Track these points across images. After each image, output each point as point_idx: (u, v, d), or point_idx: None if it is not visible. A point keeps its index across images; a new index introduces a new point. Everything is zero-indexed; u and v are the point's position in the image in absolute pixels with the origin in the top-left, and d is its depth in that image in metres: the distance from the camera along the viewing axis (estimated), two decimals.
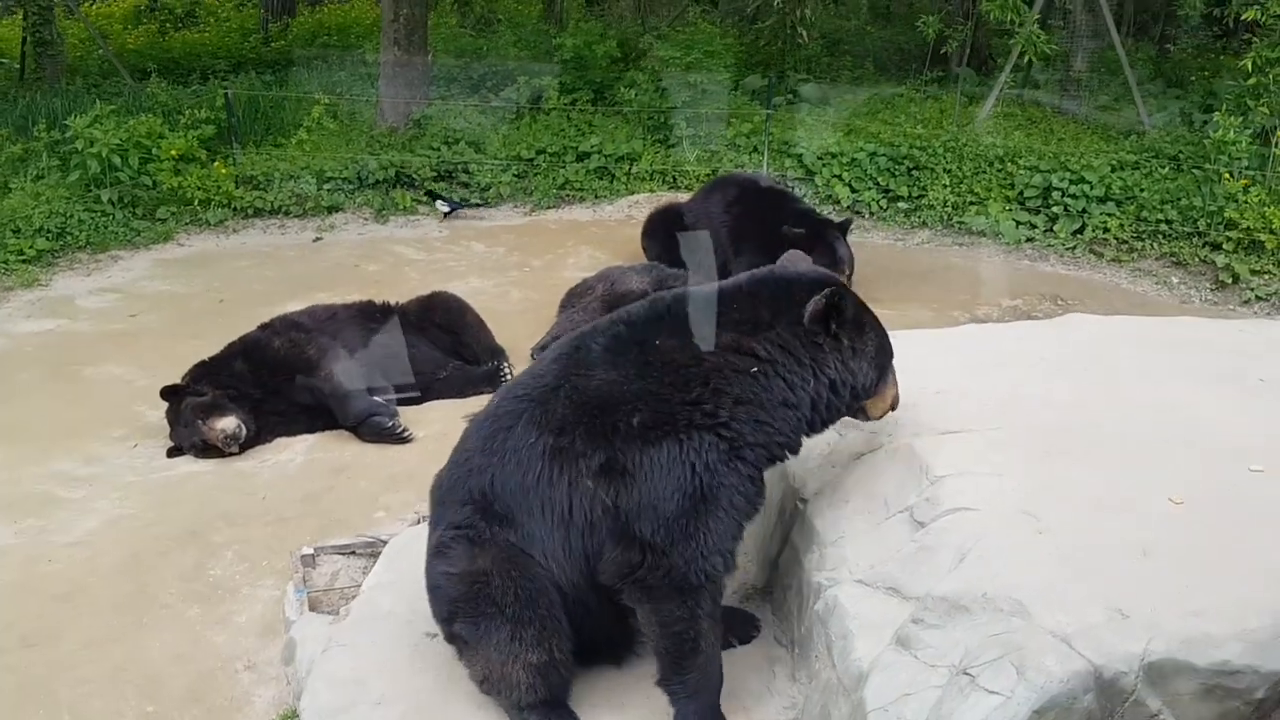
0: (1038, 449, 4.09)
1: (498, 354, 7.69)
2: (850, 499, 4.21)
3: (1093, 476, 3.89)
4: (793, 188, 11.85)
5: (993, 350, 5.19)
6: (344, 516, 5.96)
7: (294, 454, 6.74)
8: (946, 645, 3.33)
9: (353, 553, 5.55)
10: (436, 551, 3.95)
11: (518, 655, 3.77)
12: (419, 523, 5.46)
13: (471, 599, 3.81)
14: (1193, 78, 14.50)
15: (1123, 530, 3.56)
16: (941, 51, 13.57)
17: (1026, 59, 12.19)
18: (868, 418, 4.05)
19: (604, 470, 3.61)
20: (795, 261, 4.14)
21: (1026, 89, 14.79)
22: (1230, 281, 10.26)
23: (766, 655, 4.35)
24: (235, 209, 12.00)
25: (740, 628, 4.43)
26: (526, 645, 3.76)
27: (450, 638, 4.06)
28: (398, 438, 6.72)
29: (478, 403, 6.57)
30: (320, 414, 6.90)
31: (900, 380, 4.17)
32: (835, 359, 3.74)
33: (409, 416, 7.03)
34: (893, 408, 4.06)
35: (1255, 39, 10.91)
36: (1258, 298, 10.09)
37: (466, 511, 3.83)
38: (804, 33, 16.74)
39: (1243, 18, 10.58)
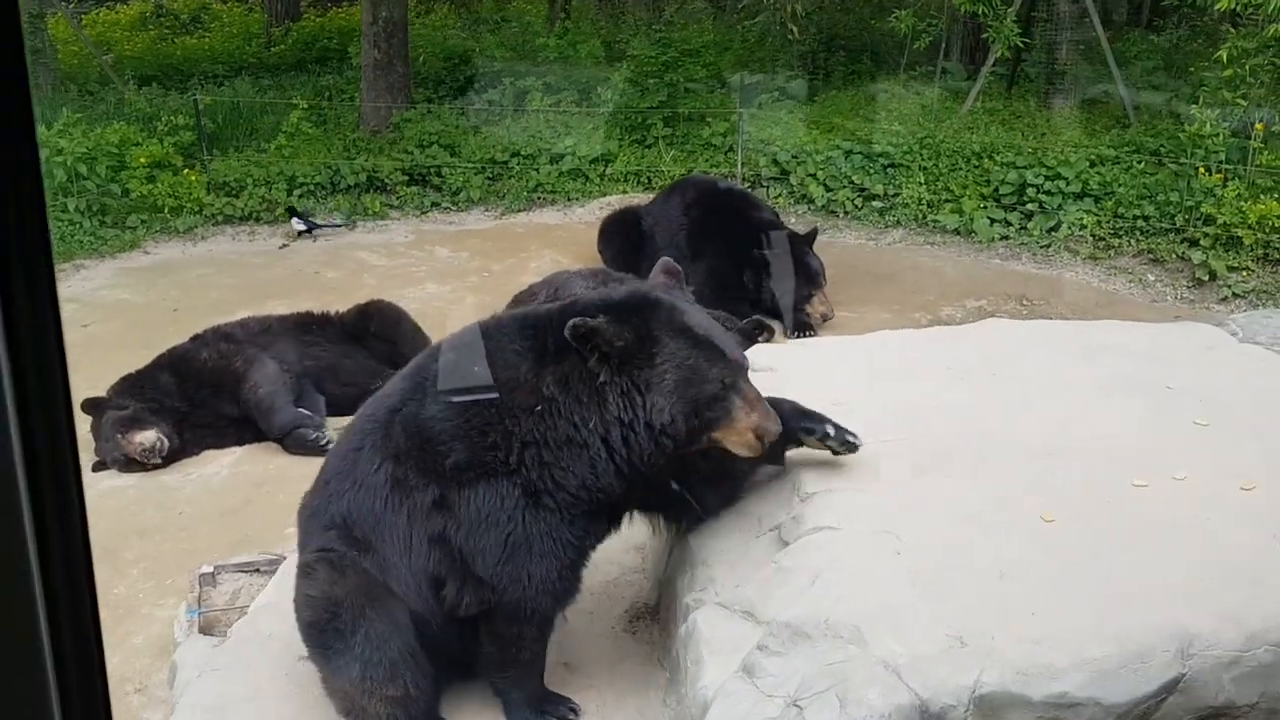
0: (918, 463, 3.95)
1: None
2: (727, 517, 4.08)
3: (968, 492, 3.75)
4: (754, 188, 11.68)
5: (904, 358, 5.03)
6: (257, 532, 5.86)
7: (220, 467, 6.65)
8: (786, 674, 3.19)
9: (256, 570, 5.44)
10: (301, 573, 3.86)
11: (372, 691, 3.67)
12: None
13: (328, 627, 3.71)
14: (1191, 68, 14.20)
15: (985, 550, 3.42)
16: (915, 47, 13.32)
17: (1004, 52, 11.94)
18: (736, 453, 3.51)
19: (436, 507, 3.55)
20: (659, 273, 3.82)
21: (1019, 83, 14.54)
22: (1207, 278, 10.01)
23: (647, 678, 4.22)
24: (206, 216, 11.95)
25: None
26: (379, 681, 3.65)
27: (314, 661, 3.96)
28: (322, 450, 6.57)
29: None
30: (249, 426, 6.82)
31: (804, 390, 4.02)
32: (614, 394, 3.35)
33: (337, 427, 6.92)
34: (763, 439, 3.44)
35: (1231, 30, 10.63)
36: (1235, 294, 9.83)
37: (330, 536, 3.73)
38: (794, 29, 16.56)
39: (1217, 7, 10.30)
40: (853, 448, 3.79)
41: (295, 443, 6.65)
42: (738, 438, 3.45)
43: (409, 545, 3.60)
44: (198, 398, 6.75)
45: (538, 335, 3.49)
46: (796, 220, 11.28)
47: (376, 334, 7.50)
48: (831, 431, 3.77)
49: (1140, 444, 4.01)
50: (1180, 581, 3.22)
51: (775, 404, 3.58)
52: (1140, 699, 2.94)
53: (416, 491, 3.54)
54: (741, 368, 3.48)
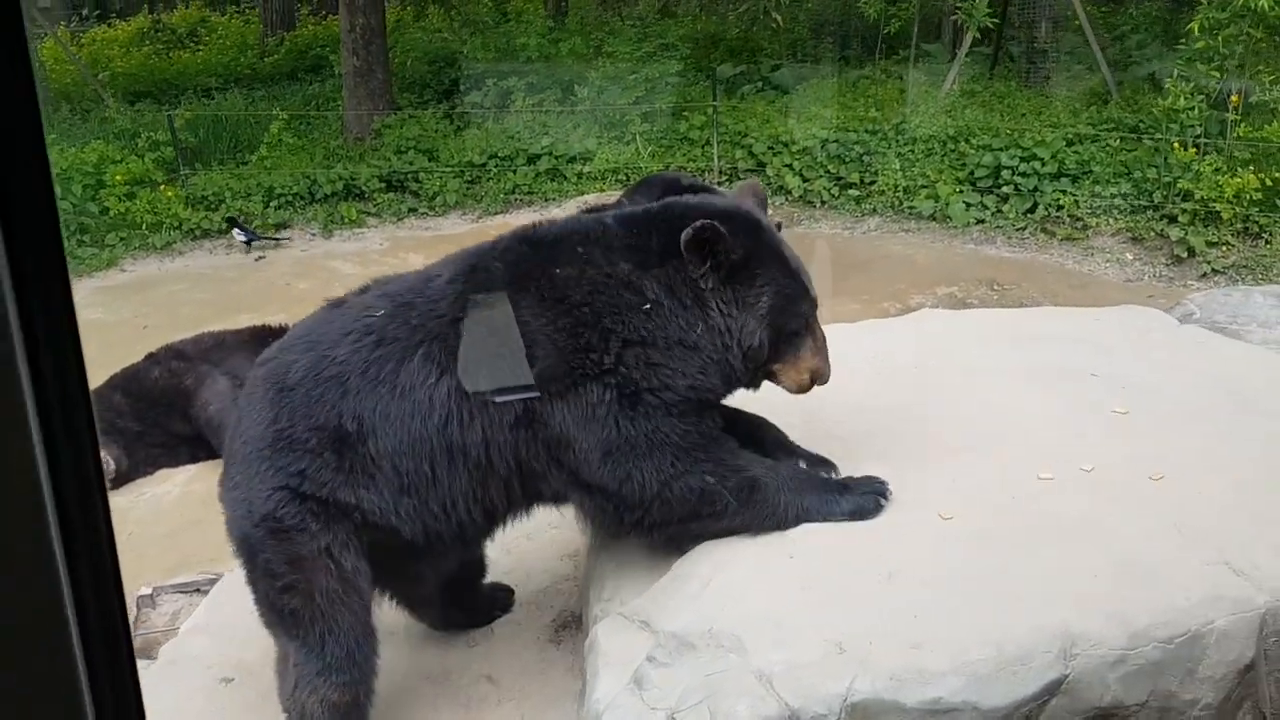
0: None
1: None
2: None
3: None
4: (730, 181, 11.60)
5: (837, 352, 4.96)
6: (201, 552, 5.83)
7: (172, 486, 6.65)
8: (669, 686, 3.12)
9: (197, 590, 5.41)
10: (267, 521, 3.35)
11: (318, 690, 3.47)
12: None
13: (289, 612, 3.42)
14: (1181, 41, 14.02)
15: (877, 552, 3.35)
16: (887, 31, 13.20)
17: (975, 34, 11.82)
18: (783, 387, 3.54)
19: (521, 422, 3.29)
20: (747, 194, 3.70)
21: (1001, 63, 14.40)
22: (1186, 255, 9.89)
23: (568, 690, 4.17)
24: (184, 231, 11.98)
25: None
26: (332, 683, 3.46)
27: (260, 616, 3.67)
28: None
29: None
30: (203, 444, 6.81)
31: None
32: (719, 304, 3.31)
33: None
34: (817, 382, 3.51)
35: (1202, 1, 10.47)
36: (1214, 270, 9.71)
37: (311, 447, 3.30)
38: (778, 18, 16.47)
39: None
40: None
41: None
42: (796, 375, 3.49)
43: (483, 461, 3.31)
44: (150, 417, 6.75)
45: (639, 234, 3.34)
46: (772, 213, 11.18)
47: None
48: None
49: (1054, 435, 3.93)
50: (1070, 578, 3.14)
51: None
52: (1019, 702, 2.86)
53: (493, 406, 3.26)
54: (817, 306, 3.50)
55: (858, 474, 3.70)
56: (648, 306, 3.28)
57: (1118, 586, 3.11)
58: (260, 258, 11.46)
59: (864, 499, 3.53)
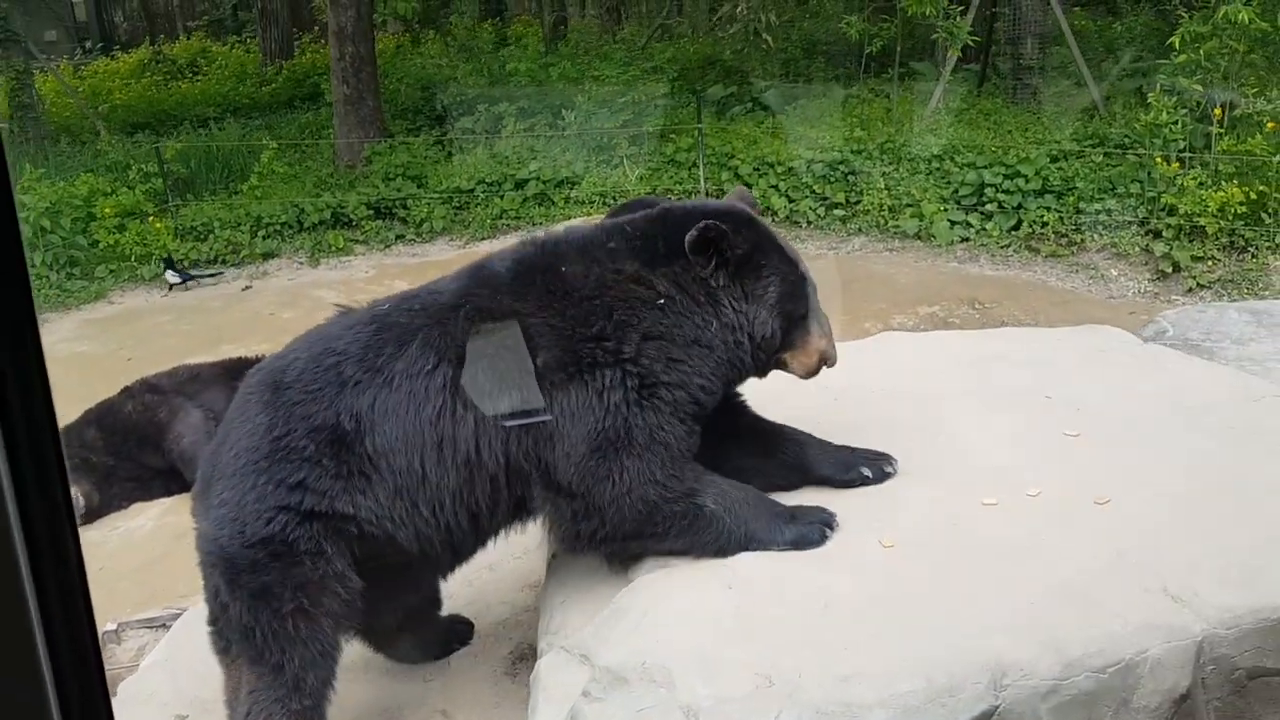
0: None
1: None
2: (587, 555, 4.00)
3: None
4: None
5: (785, 376, 4.94)
6: (170, 586, 5.83)
7: (145, 520, 6.64)
8: None
9: (163, 625, 5.40)
10: (268, 544, 3.25)
11: (274, 715, 3.39)
12: None
13: (277, 631, 3.33)
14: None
15: (814, 581, 3.32)
16: (869, 51, 13.22)
17: (956, 52, 11.82)
18: (793, 373, 3.64)
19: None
20: (738, 198, 3.77)
21: (989, 80, 14.41)
22: (1171, 270, 9.85)
23: None
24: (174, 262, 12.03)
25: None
26: (291, 710, 3.39)
27: (216, 648, 3.63)
28: None
29: None
30: (176, 477, 6.81)
31: None
32: (729, 300, 3.38)
33: None
34: (824, 365, 3.61)
35: (1183, 14, 10.46)
36: (1200, 285, 9.66)
37: (309, 455, 3.25)
38: (768, 38, 16.51)
39: None
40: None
41: None
42: (806, 359, 3.58)
43: (472, 455, 3.28)
44: (124, 451, 6.75)
45: (644, 236, 3.40)
46: None
47: None
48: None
49: (1002, 459, 3.90)
50: (1006, 606, 3.11)
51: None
52: None
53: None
54: (816, 289, 3.58)
55: (805, 501, 3.69)
56: (661, 302, 3.32)
57: (1053, 614, 3.08)
58: (247, 288, 11.49)
59: (809, 529, 3.51)
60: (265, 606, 3.30)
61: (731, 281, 3.38)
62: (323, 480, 3.26)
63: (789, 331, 3.49)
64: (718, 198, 12.17)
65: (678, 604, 3.33)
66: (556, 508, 3.41)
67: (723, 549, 3.45)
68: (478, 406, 3.26)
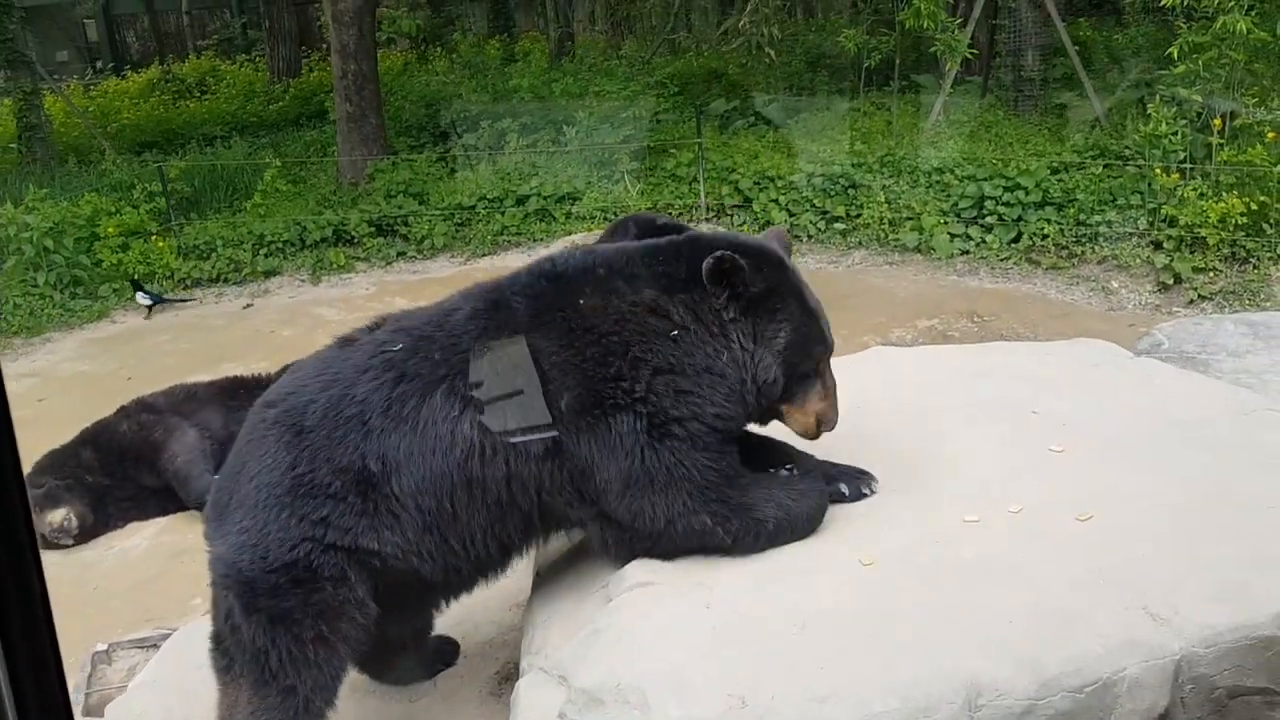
0: None
1: None
2: (568, 575, 3.99)
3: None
4: (718, 218, 11.61)
5: None
6: (163, 606, 5.84)
7: (141, 539, 6.65)
8: None
9: (154, 646, 5.40)
10: (291, 570, 3.28)
11: None
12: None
13: (293, 655, 3.35)
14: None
15: (793, 600, 3.30)
16: (867, 65, 13.21)
17: (954, 65, 11.81)
18: (790, 428, 3.59)
19: (549, 455, 3.30)
20: (772, 238, 3.71)
21: (991, 91, 14.38)
22: (1172, 282, 9.80)
23: None
24: (175, 281, 12.08)
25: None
26: (310, 715, 3.44)
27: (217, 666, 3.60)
28: None
29: None
30: (172, 496, 6.81)
31: None
32: (739, 335, 3.34)
33: None
34: (823, 427, 3.54)
35: (1182, 25, 10.43)
36: (1201, 296, 9.61)
37: (334, 492, 3.28)
38: (771, 53, 16.51)
39: (1162, 3, 10.12)
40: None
41: None
42: (803, 418, 3.53)
43: (503, 499, 3.32)
44: (119, 470, 6.76)
45: (665, 263, 3.38)
46: None
47: None
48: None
49: (986, 475, 3.87)
50: (984, 624, 3.08)
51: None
52: None
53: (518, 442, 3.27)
54: (831, 351, 3.56)
55: None
56: (675, 333, 3.31)
57: (1031, 633, 3.05)
58: (248, 306, 11.52)
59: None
60: (285, 631, 3.33)
61: (743, 317, 3.34)
62: (347, 517, 3.30)
63: (790, 384, 3.44)
64: (718, 213, 12.23)
65: (655, 624, 3.31)
66: (613, 534, 3.46)
67: (771, 542, 3.51)
68: (508, 447, 3.28)
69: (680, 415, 3.29)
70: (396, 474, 3.29)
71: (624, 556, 3.53)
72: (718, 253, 3.24)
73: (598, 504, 3.37)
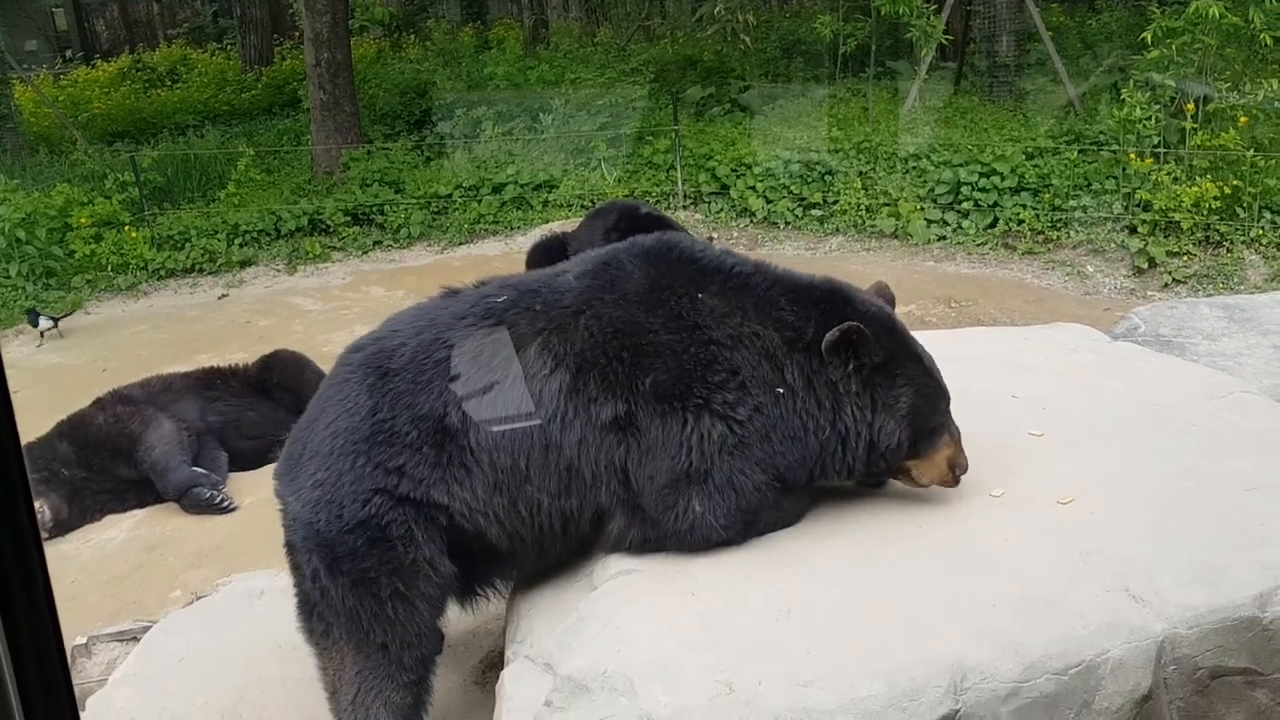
0: None
1: None
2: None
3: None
4: (695, 204, 11.60)
5: None
6: (141, 598, 5.80)
7: (118, 532, 6.60)
8: None
9: (134, 639, 5.35)
10: (366, 529, 3.26)
11: (384, 691, 3.45)
12: (192, 602, 5.29)
13: (380, 614, 3.37)
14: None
15: (778, 586, 3.30)
16: (843, 52, 13.22)
17: (928, 52, 11.83)
18: (914, 483, 3.56)
19: (616, 425, 3.25)
20: (877, 294, 3.68)
21: (966, 77, 14.42)
22: (1146, 266, 9.87)
23: None
24: (150, 271, 11.98)
25: None
26: (398, 684, 3.45)
27: (313, 633, 3.61)
28: (218, 509, 6.56)
29: None
30: (149, 488, 6.77)
31: None
32: (853, 406, 3.32)
33: (241, 483, 6.87)
34: (957, 471, 3.51)
35: (1155, 10, 10.48)
36: (1175, 280, 9.69)
37: (410, 441, 3.25)
38: (747, 39, 16.50)
39: None
40: None
41: (191, 503, 6.60)
42: (934, 470, 3.50)
43: (574, 464, 3.29)
44: (96, 463, 6.70)
45: (799, 311, 3.35)
46: (736, 235, 11.21)
47: (280, 385, 7.44)
48: None
49: (967, 460, 3.88)
50: (968, 608, 3.10)
51: None
52: None
53: (594, 404, 3.23)
54: (950, 401, 3.52)
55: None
56: (780, 391, 3.28)
57: (1014, 616, 3.07)
58: (223, 296, 11.44)
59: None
60: (366, 591, 3.33)
61: (862, 388, 3.32)
62: (421, 468, 3.25)
63: (919, 442, 3.42)
64: (695, 200, 12.22)
65: (640, 611, 3.31)
66: (634, 526, 3.42)
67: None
68: (584, 413, 3.25)
69: (759, 457, 3.32)
70: (476, 427, 3.25)
71: (634, 548, 3.50)
72: (844, 325, 3.21)
73: (635, 494, 3.34)
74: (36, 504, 6.17)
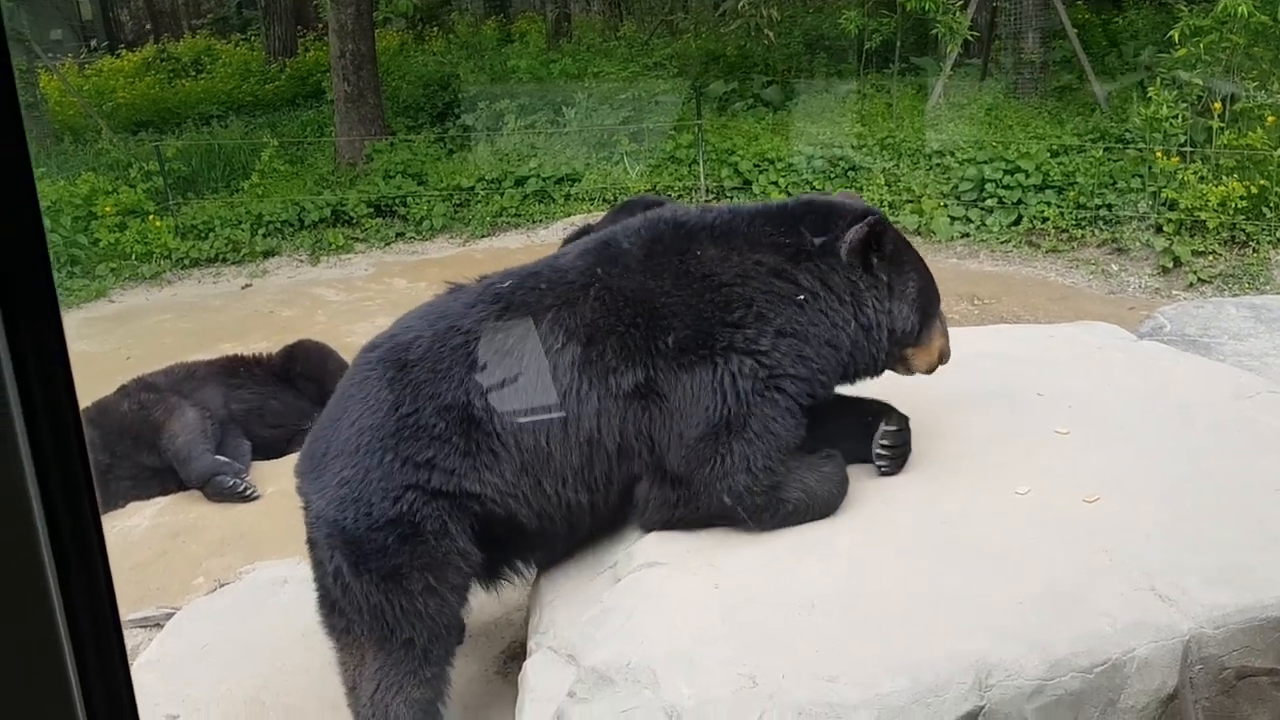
0: None
1: None
2: (576, 554, 3.99)
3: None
4: (717, 200, 11.58)
5: None
6: (165, 585, 5.84)
7: (142, 519, 6.64)
8: None
9: (156, 625, 5.41)
10: (397, 526, 3.28)
11: (404, 688, 3.46)
12: (215, 590, 5.33)
13: (408, 610, 3.40)
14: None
15: (801, 581, 3.30)
16: (868, 47, 13.17)
17: (953, 48, 11.78)
18: (911, 370, 3.71)
19: (638, 392, 3.27)
20: (847, 196, 3.83)
21: (991, 74, 14.35)
22: (1172, 265, 9.81)
23: None
24: (174, 260, 12.05)
25: None
26: (419, 680, 3.47)
27: (333, 628, 3.63)
28: (241, 497, 6.60)
29: None
30: (173, 475, 6.81)
31: None
32: (873, 298, 3.43)
33: (263, 471, 6.91)
34: (941, 360, 3.72)
35: (1183, 8, 10.41)
36: (1201, 280, 9.62)
37: (439, 433, 3.28)
38: (770, 34, 16.45)
39: None
40: None
41: (214, 491, 6.63)
42: (927, 356, 3.69)
43: (594, 434, 3.30)
44: (120, 449, 6.75)
45: (785, 228, 3.43)
46: None
47: (303, 374, 7.47)
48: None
49: (992, 457, 3.88)
50: (993, 605, 3.09)
51: None
52: None
53: (613, 374, 3.26)
54: None
55: None
56: (801, 298, 3.34)
57: (1040, 613, 3.06)
58: (247, 286, 11.50)
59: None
60: (396, 587, 3.34)
61: (878, 280, 3.42)
62: (451, 458, 3.28)
63: (922, 327, 3.58)
64: (717, 195, 12.19)
65: (664, 604, 3.31)
66: (662, 492, 3.43)
67: (808, 520, 3.54)
68: (601, 384, 3.28)
69: (795, 375, 3.34)
70: (500, 410, 3.28)
71: (658, 520, 3.51)
72: (871, 219, 3.36)
73: (663, 457, 3.35)
74: None
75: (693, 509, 3.45)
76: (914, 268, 3.55)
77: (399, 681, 3.45)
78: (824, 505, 3.55)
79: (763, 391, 3.30)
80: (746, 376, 3.27)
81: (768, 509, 3.46)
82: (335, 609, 3.57)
